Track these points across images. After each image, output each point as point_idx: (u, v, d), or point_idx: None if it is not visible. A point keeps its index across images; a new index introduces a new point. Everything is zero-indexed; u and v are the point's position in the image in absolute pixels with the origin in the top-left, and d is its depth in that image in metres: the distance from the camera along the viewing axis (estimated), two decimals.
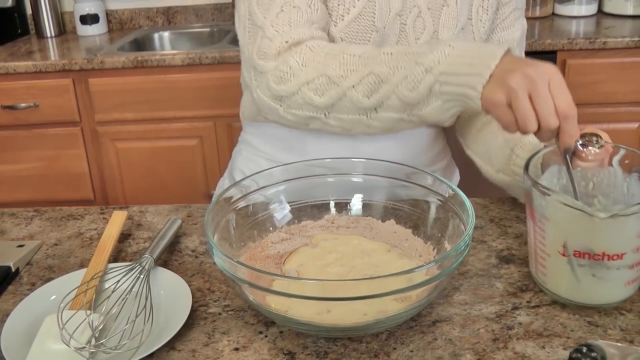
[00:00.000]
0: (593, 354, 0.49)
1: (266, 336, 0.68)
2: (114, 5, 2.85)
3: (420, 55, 0.80)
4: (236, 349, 0.66)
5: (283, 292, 0.63)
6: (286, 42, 0.88)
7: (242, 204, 0.81)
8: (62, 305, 0.68)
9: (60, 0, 2.82)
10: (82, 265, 0.84)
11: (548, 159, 0.78)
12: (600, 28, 2.36)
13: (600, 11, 2.63)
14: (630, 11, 2.53)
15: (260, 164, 1.08)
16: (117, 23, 2.85)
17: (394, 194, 0.84)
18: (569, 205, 0.65)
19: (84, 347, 0.64)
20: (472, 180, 1.15)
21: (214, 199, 0.78)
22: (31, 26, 2.86)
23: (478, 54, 0.77)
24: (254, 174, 0.83)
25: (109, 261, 0.81)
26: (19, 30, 2.82)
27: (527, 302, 0.72)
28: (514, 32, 1.08)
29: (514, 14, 1.07)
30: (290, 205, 0.84)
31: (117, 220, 0.90)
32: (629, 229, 0.66)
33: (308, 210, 0.85)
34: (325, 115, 0.87)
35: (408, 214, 0.83)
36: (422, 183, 0.81)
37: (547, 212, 0.68)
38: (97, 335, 0.67)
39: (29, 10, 2.84)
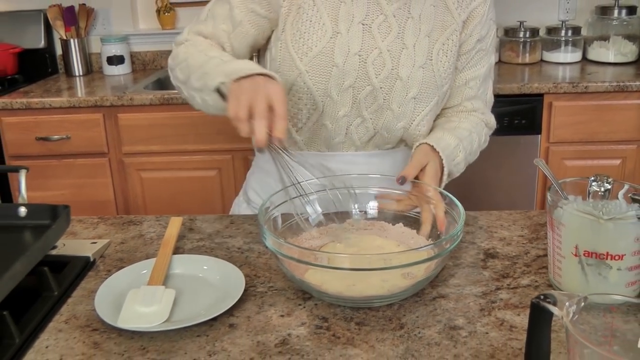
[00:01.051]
0: (547, 299, 0.68)
1: (304, 307, 0.87)
2: (138, 47, 3.09)
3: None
4: (281, 316, 0.85)
5: (320, 264, 0.82)
6: (187, 39, 1.22)
7: (283, 207, 1.00)
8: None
9: (88, 42, 3.06)
10: (147, 257, 1.03)
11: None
12: (584, 74, 2.60)
13: (584, 58, 2.87)
14: (611, 59, 2.77)
15: (270, 183, 1.27)
16: (140, 64, 3.09)
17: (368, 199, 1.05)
18: (580, 211, 0.84)
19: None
20: (462, 196, 1.36)
21: (262, 204, 0.97)
22: (60, 65, 3.09)
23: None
24: (294, 184, 1.03)
25: (172, 253, 1.00)
26: (49, 69, 3.05)
27: (507, 285, 0.92)
28: (479, 70, 1.27)
29: (478, 54, 1.26)
30: (321, 210, 1.04)
31: (175, 223, 1.10)
32: (628, 233, 0.83)
33: (333, 216, 1.04)
34: (183, 88, 1.18)
35: (414, 218, 1.03)
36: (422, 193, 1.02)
37: (563, 219, 0.87)
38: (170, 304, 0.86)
39: (59, 51, 3.07)
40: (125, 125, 2.47)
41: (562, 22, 2.83)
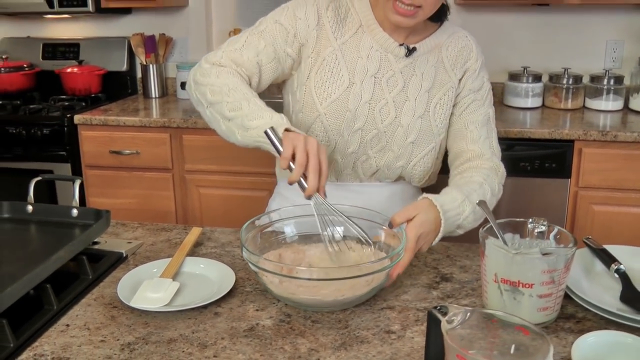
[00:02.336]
0: (440, 310, 0.87)
1: (276, 305, 1.09)
2: None
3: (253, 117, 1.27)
4: (256, 310, 1.08)
5: (284, 274, 1.04)
6: (221, 63, 1.38)
7: (268, 229, 1.23)
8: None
9: (165, 67, 3.41)
10: (169, 257, 1.27)
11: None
12: (621, 123, 2.68)
13: (626, 107, 2.96)
14: None
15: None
16: None
17: (373, 231, 1.24)
18: (496, 245, 1.03)
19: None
20: None
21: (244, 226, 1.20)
22: (139, 87, 3.45)
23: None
24: (277, 210, 1.25)
25: (186, 255, 1.25)
26: (129, 90, 3.42)
27: (448, 303, 1.11)
28: (477, 116, 1.46)
29: (474, 103, 1.45)
30: (297, 232, 1.25)
31: (194, 232, 1.35)
32: (535, 266, 1.01)
33: (309, 237, 1.25)
34: (207, 106, 1.35)
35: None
36: (379, 221, 1.22)
37: (486, 251, 1.05)
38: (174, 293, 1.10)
39: (138, 74, 3.44)
40: (188, 145, 2.77)
41: (606, 71, 2.94)
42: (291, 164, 1.17)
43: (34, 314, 1.04)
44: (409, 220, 1.18)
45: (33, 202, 1.32)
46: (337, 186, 1.48)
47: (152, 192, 2.85)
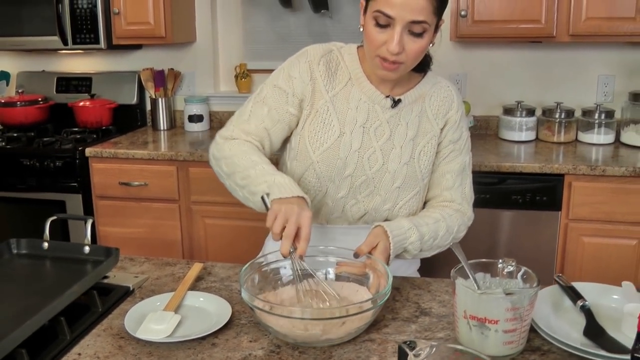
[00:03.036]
0: (409, 344, 0.97)
1: (268, 337, 1.20)
2: (216, 107, 3.55)
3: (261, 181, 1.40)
4: (250, 341, 1.18)
5: (275, 313, 1.14)
6: (233, 136, 1.52)
7: (264, 268, 1.34)
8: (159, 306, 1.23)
9: (174, 101, 3.55)
10: (172, 291, 1.39)
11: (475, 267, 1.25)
12: (614, 156, 2.78)
13: (618, 140, 3.06)
14: None
15: None
16: (217, 122, 3.53)
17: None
18: (464, 285, 1.14)
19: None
20: (428, 266, 1.66)
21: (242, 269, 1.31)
22: (148, 120, 3.59)
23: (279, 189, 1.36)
24: (274, 252, 1.36)
25: (188, 289, 1.36)
26: (139, 123, 3.55)
27: (425, 336, 1.21)
28: (454, 165, 1.58)
29: (453, 153, 1.57)
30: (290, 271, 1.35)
31: (196, 268, 1.46)
32: (499, 305, 1.11)
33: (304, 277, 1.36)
34: (225, 178, 1.50)
35: (360, 280, 1.34)
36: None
37: (457, 290, 1.16)
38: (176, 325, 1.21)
39: (148, 107, 3.58)
40: (194, 177, 2.90)
41: (597, 105, 3.05)
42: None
43: (49, 343, 1.15)
44: (372, 249, 1.36)
45: (48, 239, 1.43)
46: (328, 229, 1.59)
47: (159, 222, 2.97)
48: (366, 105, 1.52)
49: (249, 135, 1.53)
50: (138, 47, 3.52)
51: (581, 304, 1.26)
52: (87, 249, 1.41)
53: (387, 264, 1.38)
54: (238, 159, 1.46)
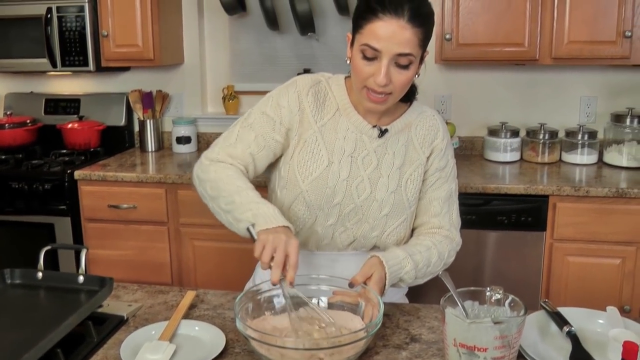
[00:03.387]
0: None
1: None
2: (204, 129, 3.57)
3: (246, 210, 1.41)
4: None
5: (269, 343, 1.16)
6: (218, 159, 1.53)
7: (258, 297, 1.36)
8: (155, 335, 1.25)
9: (162, 122, 3.57)
10: (166, 319, 1.40)
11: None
12: (595, 176, 2.84)
13: (601, 160, 3.12)
14: (624, 163, 3.01)
15: None
16: (205, 143, 3.56)
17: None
18: (453, 314, 1.16)
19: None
20: (416, 291, 1.68)
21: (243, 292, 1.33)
22: (136, 141, 3.60)
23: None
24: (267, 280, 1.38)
25: (182, 318, 1.37)
26: (127, 144, 3.56)
27: None
28: (441, 192, 1.61)
29: (439, 181, 1.61)
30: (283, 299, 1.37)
31: (189, 296, 1.48)
32: (488, 333, 1.14)
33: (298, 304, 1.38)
34: (209, 200, 1.51)
35: (354, 309, 1.36)
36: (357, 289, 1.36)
37: (446, 319, 1.18)
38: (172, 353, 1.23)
39: (136, 128, 3.59)
40: (183, 200, 2.91)
41: (580, 126, 3.11)
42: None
43: None
44: (367, 279, 1.37)
45: (42, 269, 1.45)
46: (317, 256, 1.62)
47: (148, 245, 2.98)
48: (354, 135, 1.55)
49: (235, 159, 1.54)
50: (126, 68, 3.54)
51: (567, 329, 1.29)
52: (81, 278, 1.43)
53: (382, 294, 1.40)
54: (223, 183, 1.48)
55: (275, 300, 1.37)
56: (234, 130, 1.59)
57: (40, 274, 1.44)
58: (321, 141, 1.54)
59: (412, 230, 1.65)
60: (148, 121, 3.45)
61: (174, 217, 2.95)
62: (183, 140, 3.43)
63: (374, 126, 1.55)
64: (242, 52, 3.54)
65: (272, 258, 1.32)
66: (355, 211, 1.57)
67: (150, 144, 3.47)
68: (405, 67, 1.41)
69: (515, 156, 3.17)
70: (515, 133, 3.16)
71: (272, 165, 1.64)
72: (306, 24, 3.28)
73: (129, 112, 3.56)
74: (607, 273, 2.70)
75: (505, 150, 3.15)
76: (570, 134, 3.13)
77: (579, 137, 3.08)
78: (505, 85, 3.32)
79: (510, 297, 1.24)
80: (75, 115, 3.50)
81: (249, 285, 1.78)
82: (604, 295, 2.71)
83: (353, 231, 1.58)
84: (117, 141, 3.52)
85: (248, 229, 1.39)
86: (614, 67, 3.16)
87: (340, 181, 1.54)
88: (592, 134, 3.09)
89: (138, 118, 3.49)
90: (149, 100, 3.46)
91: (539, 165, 3.11)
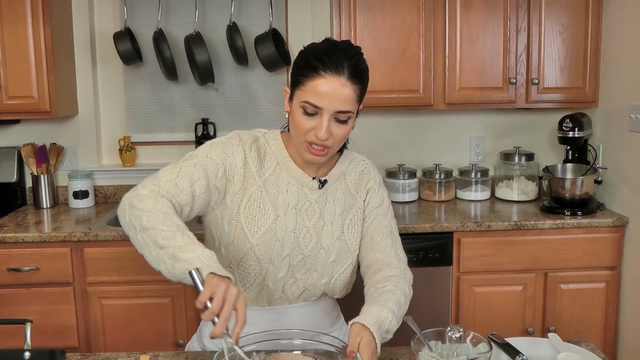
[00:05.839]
0: None
1: None
2: (101, 182, 3.45)
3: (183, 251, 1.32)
4: None
5: None
6: (159, 192, 1.43)
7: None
8: None
9: (56, 177, 3.41)
10: None
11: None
12: (490, 211, 3.05)
13: (493, 196, 3.35)
14: (515, 197, 3.26)
15: None
16: (102, 197, 3.43)
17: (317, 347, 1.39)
18: (430, 356, 1.21)
19: None
20: None
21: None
22: (29, 198, 3.40)
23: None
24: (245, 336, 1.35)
25: None
26: (19, 202, 3.36)
27: None
28: (381, 229, 1.66)
29: (378, 218, 1.66)
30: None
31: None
32: None
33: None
34: (139, 230, 1.37)
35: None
36: (327, 341, 1.39)
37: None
38: None
39: (28, 184, 3.40)
40: (89, 258, 2.78)
41: (472, 165, 3.33)
42: (208, 302, 1.23)
43: None
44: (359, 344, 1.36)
45: None
46: (269, 310, 1.62)
47: (52, 307, 2.81)
48: (295, 188, 1.59)
49: (175, 196, 1.46)
50: (16, 121, 3.35)
51: (520, 358, 1.38)
52: (27, 354, 1.34)
53: (377, 354, 1.39)
54: (163, 217, 1.37)
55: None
56: (174, 169, 1.51)
57: None
58: (266, 195, 1.56)
59: (362, 273, 1.68)
60: (42, 177, 3.28)
61: (80, 276, 2.81)
62: (80, 194, 3.29)
63: (314, 178, 1.60)
64: (137, 102, 3.47)
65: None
66: (304, 261, 1.59)
67: (45, 200, 3.30)
68: (344, 122, 1.48)
69: (414, 196, 3.33)
70: (412, 174, 3.32)
71: (209, 223, 1.61)
72: (205, 74, 3.28)
73: (21, 166, 3.36)
74: (511, 299, 2.89)
75: (404, 191, 3.30)
76: (463, 172, 3.34)
77: (472, 175, 3.30)
78: (400, 129, 3.49)
79: (471, 333, 1.32)
80: None
81: (192, 346, 1.74)
82: (510, 320, 2.90)
83: (303, 281, 1.61)
84: (8, 198, 3.31)
85: (190, 273, 1.28)
86: (500, 110, 3.42)
87: (287, 233, 1.57)
88: (484, 172, 3.32)
89: (31, 173, 3.30)
90: (43, 154, 3.29)
91: (437, 203, 3.29)
